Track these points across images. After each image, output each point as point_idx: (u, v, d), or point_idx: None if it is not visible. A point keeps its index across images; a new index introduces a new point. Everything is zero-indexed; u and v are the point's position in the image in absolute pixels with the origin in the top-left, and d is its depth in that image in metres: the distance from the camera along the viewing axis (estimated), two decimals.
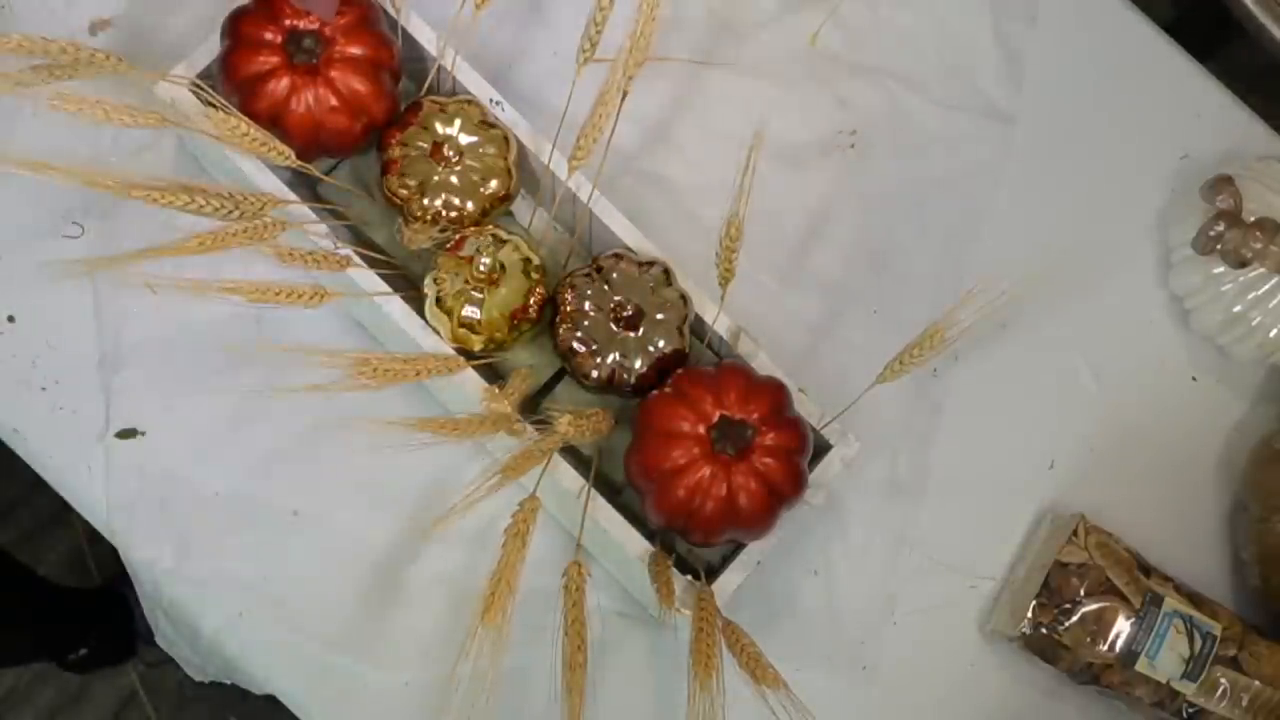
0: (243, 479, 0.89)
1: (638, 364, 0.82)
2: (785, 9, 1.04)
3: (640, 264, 0.84)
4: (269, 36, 0.81)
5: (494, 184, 0.85)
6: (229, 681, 0.92)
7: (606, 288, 0.83)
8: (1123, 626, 0.88)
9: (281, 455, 0.89)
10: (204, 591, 0.87)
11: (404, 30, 0.87)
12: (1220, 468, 0.99)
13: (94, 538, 0.93)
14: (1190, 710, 0.88)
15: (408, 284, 0.85)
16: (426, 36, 0.88)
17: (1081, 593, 0.88)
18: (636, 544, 0.81)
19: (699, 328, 0.86)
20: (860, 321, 0.98)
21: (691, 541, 0.82)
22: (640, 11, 0.77)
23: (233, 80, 0.81)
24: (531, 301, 0.84)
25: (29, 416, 0.88)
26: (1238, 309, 0.96)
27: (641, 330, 0.83)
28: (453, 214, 0.84)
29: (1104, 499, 0.95)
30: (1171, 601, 0.88)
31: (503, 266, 0.83)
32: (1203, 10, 1.14)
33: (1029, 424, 0.98)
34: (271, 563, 0.88)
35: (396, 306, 0.83)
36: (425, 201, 0.84)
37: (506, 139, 0.86)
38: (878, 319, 0.98)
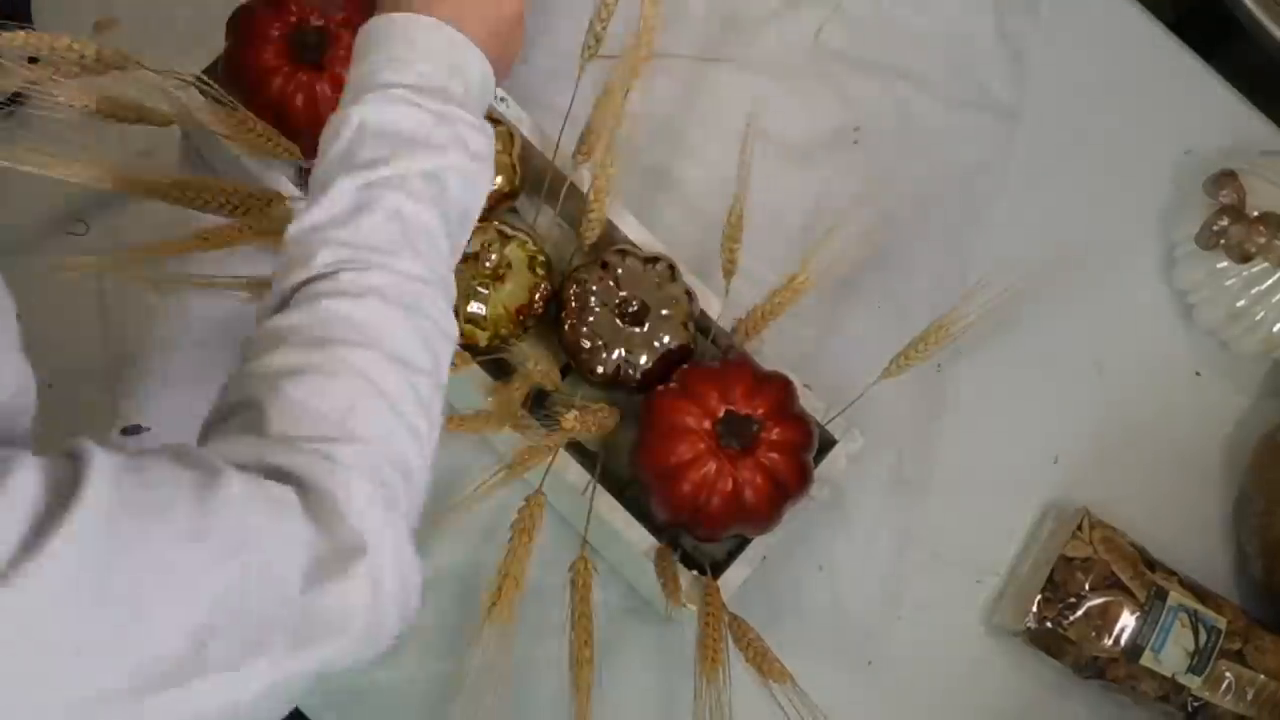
0: None
1: (643, 359, 0.83)
2: (789, 5, 1.04)
3: (645, 260, 0.84)
4: (275, 33, 0.81)
5: (499, 180, 0.85)
6: None
7: (612, 283, 0.83)
8: (1127, 621, 0.88)
9: None
10: None
11: None
12: (1224, 462, 0.99)
13: None
14: (1195, 704, 0.88)
15: None
16: None
17: (1086, 587, 0.88)
18: (642, 539, 0.81)
19: (704, 323, 0.86)
20: (865, 317, 0.97)
21: (697, 537, 0.82)
22: (644, 8, 0.77)
23: (239, 77, 0.81)
24: (537, 297, 0.84)
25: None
26: (1241, 304, 0.96)
27: (647, 326, 0.83)
28: None
29: (1108, 494, 0.95)
30: (1176, 595, 0.88)
31: (508, 263, 0.83)
32: (1202, 12, 1.14)
33: (1033, 419, 0.98)
34: None
35: None
36: None
37: (511, 135, 0.86)
38: (882, 315, 0.98)
